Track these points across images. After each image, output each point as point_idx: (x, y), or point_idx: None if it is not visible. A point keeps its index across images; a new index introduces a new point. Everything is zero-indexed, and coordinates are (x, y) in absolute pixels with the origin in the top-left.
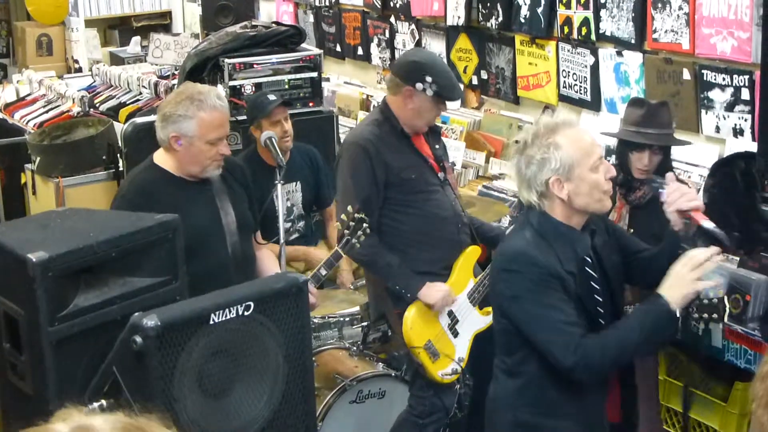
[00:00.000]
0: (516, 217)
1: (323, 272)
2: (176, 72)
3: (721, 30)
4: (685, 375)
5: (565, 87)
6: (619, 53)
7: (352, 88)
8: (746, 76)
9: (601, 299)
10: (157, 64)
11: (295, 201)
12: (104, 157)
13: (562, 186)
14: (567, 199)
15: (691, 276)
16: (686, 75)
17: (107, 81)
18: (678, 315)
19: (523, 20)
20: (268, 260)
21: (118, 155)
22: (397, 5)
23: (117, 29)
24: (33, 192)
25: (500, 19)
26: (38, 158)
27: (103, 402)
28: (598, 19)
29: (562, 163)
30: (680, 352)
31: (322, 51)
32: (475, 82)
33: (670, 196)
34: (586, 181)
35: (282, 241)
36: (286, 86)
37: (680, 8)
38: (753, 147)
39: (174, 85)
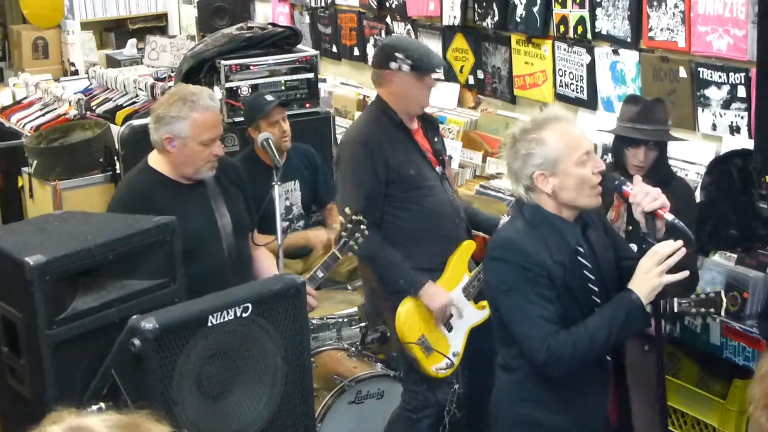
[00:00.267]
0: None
1: (320, 274)
2: (172, 74)
3: (717, 28)
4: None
5: (562, 86)
6: (615, 52)
7: (349, 88)
8: (742, 74)
9: (596, 289)
10: (153, 67)
11: (294, 200)
12: (101, 160)
13: (547, 180)
14: (552, 193)
15: (657, 270)
16: (682, 73)
17: (104, 83)
18: (648, 309)
19: (519, 19)
20: (266, 260)
21: (115, 158)
22: (393, 5)
23: (113, 32)
24: (30, 195)
25: (496, 18)
26: (35, 161)
27: (102, 405)
28: (593, 17)
29: (546, 158)
30: (678, 349)
31: (318, 52)
32: (471, 81)
33: (635, 198)
34: (571, 175)
35: (280, 242)
36: (283, 87)
37: (676, 6)
38: (750, 144)
39: (170, 87)
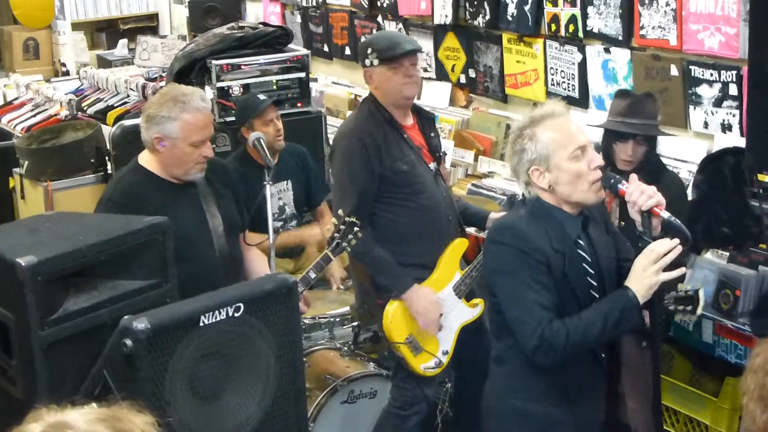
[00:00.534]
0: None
1: (312, 275)
2: (164, 74)
3: (709, 26)
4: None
5: (553, 84)
6: (607, 50)
7: (341, 88)
8: (734, 72)
9: (595, 283)
10: (144, 67)
11: (287, 200)
12: (93, 161)
13: (543, 176)
14: (548, 188)
15: (653, 268)
16: (674, 71)
17: (95, 84)
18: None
19: (510, 18)
20: (257, 260)
21: (107, 158)
22: (384, 5)
23: (104, 32)
24: (22, 196)
25: (487, 17)
26: (27, 162)
27: (94, 405)
28: (585, 16)
29: (538, 154)
30: (671, 348)
31: (309, 51)
32: (463, 80)
33: (631, 196)
34: (564, 170)
35: (272, 242)
36: (274, 87)
37: (667, 4)
38: (741, 142)
39: (162, 87)
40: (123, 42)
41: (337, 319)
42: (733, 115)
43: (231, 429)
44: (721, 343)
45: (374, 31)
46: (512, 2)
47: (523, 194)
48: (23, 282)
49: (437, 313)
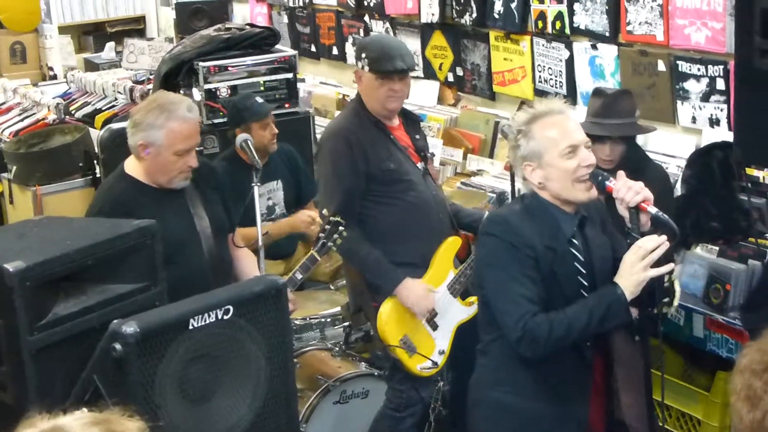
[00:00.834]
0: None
1: (299, 276)
2: (151, 77)
3: (695, 21)
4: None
5: (541, 81)
6: (594, 46)
7: (328, 88)
8: (721, 66)
9: (585, 282)
10: (132, 70)
11: (277, 200)
12: (81, 164)
13: (535, 172)
14: (540, 184)
15: (641, 265)
16: (661, 66)
17: (82, 87)
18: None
19: (497, 16)
20: (246, 260)
21: (95, 162)
22: (371, 4)
23: (91, 35)
24: (10, 201)
25: (474, 15)
26: (15, 167)
27: (85, 410)
28: (572, 12)
29: (530, 150)
30: (662, 342)
31: (296, 52)
32: (451, 79)
33: (618, 193)
34: (555, 167)
35: (261, 243)
36: (262, 88)
37: (654, 0)
38: (729, 137)
39: (149, 89)
40: (110, 45)
41: (328, 320)
42: (721, 110)
43: (222, 431)
44: (712, 338)
45: (361, 30)
46: (499, 0)
47: (500, 197)
48: (12, 287)
49: (430, 301)
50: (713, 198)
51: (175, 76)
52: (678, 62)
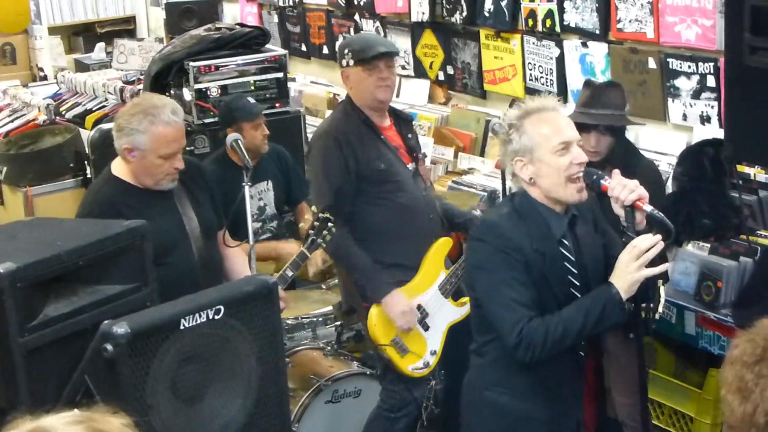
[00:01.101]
0: (485, 212)
1: (290, 273)
2: (141, 77)
3: (685, 18)
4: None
5: (532, 80)
6: (584, 44)
7: (319, 87)
8: (711, 64)
9: (577, 283)
10: (122, 70)
11: (267, 200)
12: (72, 165)
13: (526, 167)
14: (529, 181)
15: (636, 264)
16: (652, 64)
17: (73, 88)
18: (626, 303)
19: (487, 14)
20: (236, 259)
21: (86, 162)
22: (361, 3)
23: (81, 36)
24: (1, 202)
25: (464, 13)
26: (5, 168)
27: (76, 411)
28: (562, 10)
29: (522, 145)
30: (654, 340)
31: (287, 51)
32: (441, 77)
33: (613, 191)
34: (546, 163)
35: (252, 243)
36: (252, 87)
37: None
38: (720, 134)
39: (140, 90)
40: (100, 45)
41: (320, 319)
42: (712, 107)
43: (214, 431)
44: (704, 335)
45: (351, 29)
46: None
47: (490, 195)
48: (2, 289)
49: (412, 317)
50: (704, 195)
51: (166, 76)
52: (668, 60)
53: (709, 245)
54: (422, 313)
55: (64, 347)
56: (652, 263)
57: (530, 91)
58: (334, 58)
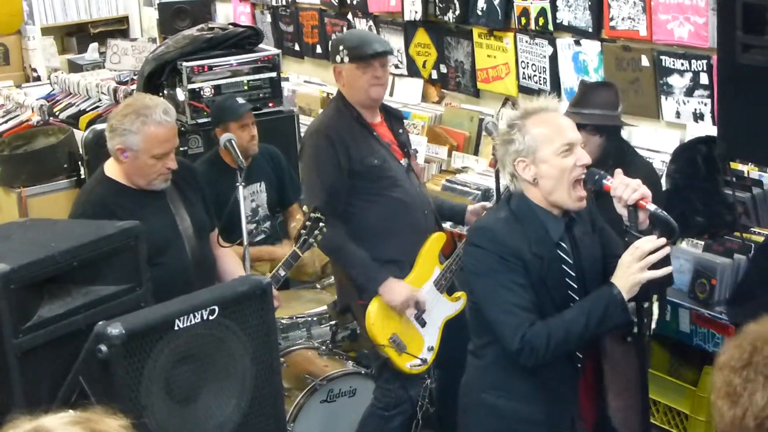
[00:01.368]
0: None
1: (282, 273)
2: (135, 77)
3: (678, 15)
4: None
5: (525, 78)
6: (577, 42)
7: (313, 86)
8: (704, 61)
9: (575, 285)
10: (115, 70)
11: (260, 201)
12: (66, 166)
13: (528, 168)
14: (532, 181)
15: (638, 266)
16: (645, 62)
17: (66, 89)
18: (627, 304)
19: (480, 13)
20: (228, 259)
21: (80, 163)
22: (354, 2)
23: (74, 36)
24: None
25: (457, 12)
26: None
27: (75, 412)
28: (554, 8)
29: (525, 145)
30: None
31: (280, 51)
32: (434, 76)
33: (616, 191)
34: (550, 164)
35: (246, 243)
36: (246, 87)
37: None
38: (714, 131)
39: (133, 90)
40: (93, 46)
41: (315, 319)
42: (705, 104)
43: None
44: (699, 333)
45: (344, 29)
46: None
47: (507, 189)
48: None
49: (414, 298)
50: (698, 193)
51: (159, 76)
52: (661, 57)
53: (703, 243)
54: (418, 309)
55: (59, 348)
56: (655, 266)
57: (523, 90)
58: (328, 58)
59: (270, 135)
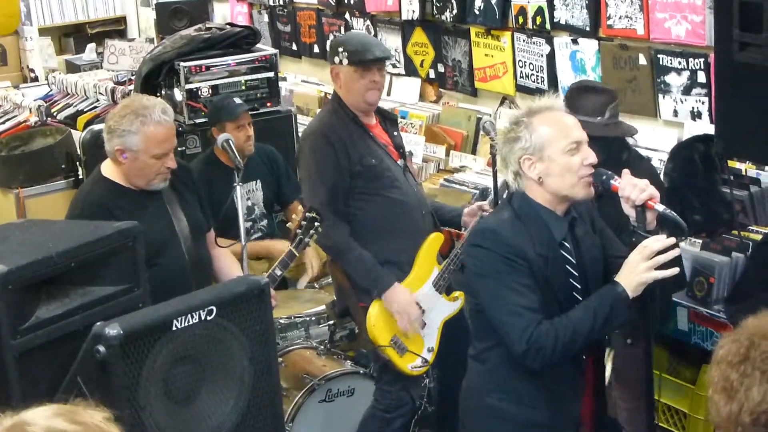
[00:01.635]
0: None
1: (278, 272)
2: (132, 77)
3: (675, 14)
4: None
5: (522, 77)
6: (575, 41)
7: (310, 86)
8: (701, 59)
9: (578, 285)
10: (113, 71)
11: (256, 200)
12: (64, 166)
13: (534, 166)
14: (538, 179)
15: (645, 265)
16: (642, 60)
17: (64, 89)
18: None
19: (477, 12)
20: (225, 259)
21: (78, 163)
22: (352, 2)
23: (72, 37)
24: None
25: (455, 11)
26: None
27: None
28: (552, 7)
29: (532, 143)
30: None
31: (277, 50)
32: (432, 75)
33: (624, 191)
34: (556, 162)
35: (243, 243)
36: (243, 87)
37: None
38: (711, 129)
39: (131, 90)
40: (91, 46)
41: (313, 318)
42: (702, 103)
43: None
44: (697, 331)
45: (342, 28)
46: None
47: (506, 189)
48: None
49: (417, 312)
50: (695, 191)
51: (156, 76)
52: (659, 56)
53: (700, 241)
54: (417, 320)
55: (57, 349)
56: (663, 267)
57: (521, 89)
58: (325, 57)
59: (268, 135)
